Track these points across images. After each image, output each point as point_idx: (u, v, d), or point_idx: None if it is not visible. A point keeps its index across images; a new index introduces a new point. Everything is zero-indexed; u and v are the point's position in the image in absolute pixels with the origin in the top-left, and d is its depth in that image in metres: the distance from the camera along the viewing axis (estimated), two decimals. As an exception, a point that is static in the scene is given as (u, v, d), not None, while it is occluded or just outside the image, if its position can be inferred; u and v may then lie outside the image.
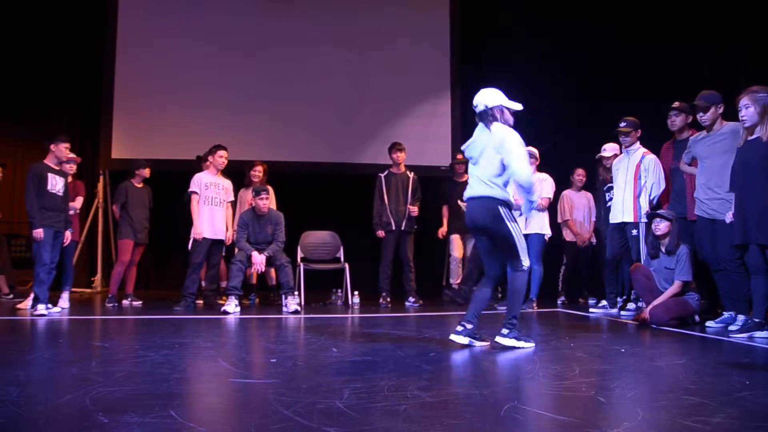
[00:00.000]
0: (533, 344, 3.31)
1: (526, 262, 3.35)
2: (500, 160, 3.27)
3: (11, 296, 6.17)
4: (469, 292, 6.17)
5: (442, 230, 6.56)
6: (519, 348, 3.25)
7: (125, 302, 5.78)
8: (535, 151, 5.82)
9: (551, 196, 5.79)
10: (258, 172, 6.19)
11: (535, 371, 2.72)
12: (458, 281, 6.57)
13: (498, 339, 3.32)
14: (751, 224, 3.70)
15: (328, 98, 7.85)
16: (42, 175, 5.02)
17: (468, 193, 3.44)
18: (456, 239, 6.56)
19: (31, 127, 7.94)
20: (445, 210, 6.57)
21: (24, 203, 5.00)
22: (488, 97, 3.39)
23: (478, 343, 3.35)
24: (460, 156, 6.73)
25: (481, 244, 3.48)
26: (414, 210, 6.10)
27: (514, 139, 3.30)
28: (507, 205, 3.32)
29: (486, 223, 3.32)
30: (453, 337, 3.36)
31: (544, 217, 5.73)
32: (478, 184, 3.36)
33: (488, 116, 3.37)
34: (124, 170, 7.69)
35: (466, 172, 6.69)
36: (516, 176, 3.25)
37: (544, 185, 5.76)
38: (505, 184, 3.34)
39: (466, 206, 6.41)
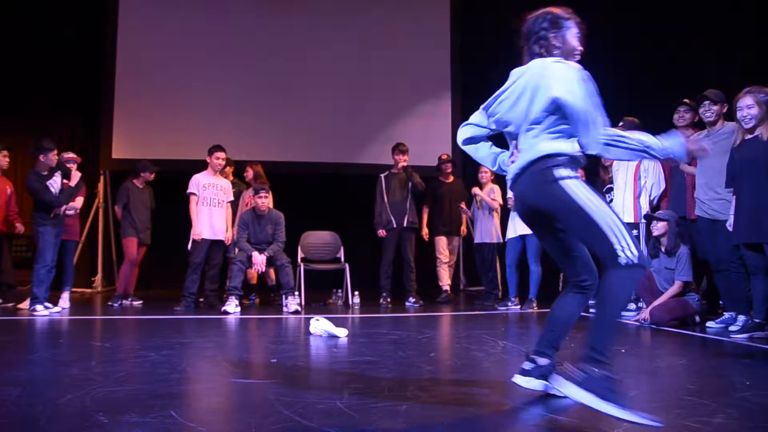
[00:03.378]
0: (652, 423, 1.78)
1: (628, 252, 1.92)
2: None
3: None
4: (489, 295, 6.15)
5: (425, 232, 6.55)
6: (615, 414, 1.81)
7: (125, 302, 5.78)
8: None
9: None
10: (246, 173, 6.26)
11: (535, 371, 2.71)
12: (448, 284, 6.57)
13: (569, 392, 1.89)
14: (756, 223, 3.68)
15: (329, 98, 7.85)
16: (42, 185, 5.07)
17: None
18: (441, 241, 6.55)
19: (32, 126, 7.92)
20: (425, 211, 6.54)
21: (29, 204, 5.05)
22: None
23: (557, 387, 1.96)
24: (444, 156, 6.74)
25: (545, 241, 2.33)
26: (420, 185, 6.06)
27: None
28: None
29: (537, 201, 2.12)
30: (518, 380, 2.19)
31: None
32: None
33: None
34: (124, 170, 7.74)
35: (453, 172, 6.71)
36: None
37: None
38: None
39: (464, 209, 6.43)
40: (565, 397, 1.97)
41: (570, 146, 2.08)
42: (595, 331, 1.94)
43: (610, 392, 1.81)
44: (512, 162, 2.20)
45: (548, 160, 2.05)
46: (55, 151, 5.22)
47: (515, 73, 2.31)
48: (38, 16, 7.84)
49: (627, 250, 1.94)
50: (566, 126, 2.08)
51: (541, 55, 2.28)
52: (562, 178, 2.03)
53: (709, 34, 7.09)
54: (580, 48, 2.30)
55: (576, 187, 2.01)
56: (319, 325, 3.76)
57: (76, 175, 5.37)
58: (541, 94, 2.09)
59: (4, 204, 5.62)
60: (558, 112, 2.07)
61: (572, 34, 2.29)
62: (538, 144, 2.09)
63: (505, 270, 5.91)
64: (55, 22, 7.84)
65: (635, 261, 1.93)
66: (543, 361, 2.19)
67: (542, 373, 2.16)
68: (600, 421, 1.91)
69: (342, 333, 3.69)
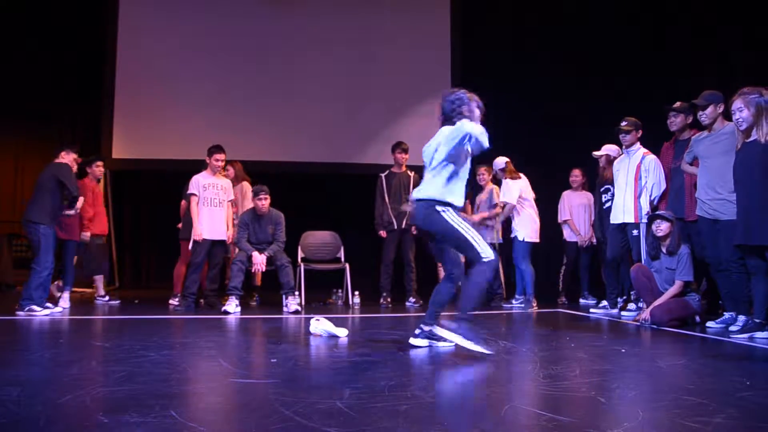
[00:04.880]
0: (489, 351, 3.01)
1: (485, 254, 3.09)
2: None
3: (107, 298, 6.00)
4: (492, 295, 6.17)
5: None
6: (470, 349, 3.00)
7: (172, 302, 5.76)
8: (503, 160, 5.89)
9: (513, 201, 5.81)
10: (227, 171, 6.23)
11: (535, 371, 2.72)
12: None
13: (442, 332, 3.16)
14: (754, 226, 3.68)
15: (329, 98, 7.85)
16: (74, 176, 5.19)
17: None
18: None
19: (32, 127, 7.94)
20: None
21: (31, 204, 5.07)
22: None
23: (439, 344, 3.25)
24: None
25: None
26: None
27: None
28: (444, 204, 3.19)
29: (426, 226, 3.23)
30: (412, 340, 3.31)
31: (528, 224, 5.77)
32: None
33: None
34: (125, 170, 7.75)
35: None
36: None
37: (507, 189, 5.81)
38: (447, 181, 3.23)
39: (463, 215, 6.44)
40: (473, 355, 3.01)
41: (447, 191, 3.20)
42: (464, 301, 3.13)
43: (472, 336, 3.04)
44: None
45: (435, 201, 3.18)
46: (75, 156, 5.33)
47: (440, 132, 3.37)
48: (38, 16, 7.84)
49: (484, 251, 3.10)
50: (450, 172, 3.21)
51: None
52: (444, 211, 3.17)
53: (709, 34, 7.09)
54: (481, 115, 3.35)
55: (450, 215, 3.16)
56: (319, 325, 3.77)
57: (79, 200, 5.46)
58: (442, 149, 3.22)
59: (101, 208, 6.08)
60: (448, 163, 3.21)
61: (476, 108, 3.34)
62: (432, 185, 3.24)
63: (507, 269, 5.97)
64: (55, 23, 7.84)
65: (491, 257, 3.11)
66: (427, 328, 3.29)
67: (427, 336, 3.29)
68: (600, 421, 1.91)
69: (342, 333, 3.69)
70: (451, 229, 3.13)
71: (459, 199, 3.23)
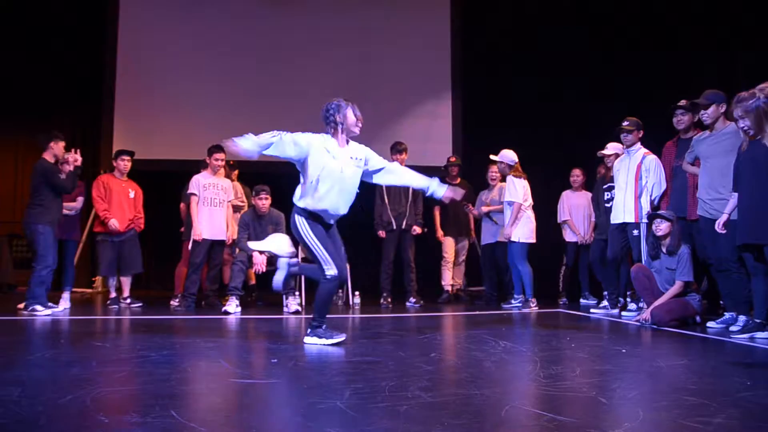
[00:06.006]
0: (342, 337, 3.36)
1: (329, 271, 3.36)
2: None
3: (129, 301, 5.72)
4: (491, 296, 6.21)
5: (439, 234, 6.59)
6: (325, 344, 3.31)
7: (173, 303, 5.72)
8: (509, 153, 5.85)
9: (519, 200, 5.73)
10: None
11: (535, 371, 2.72)
12: (450, 283, 6.58)
13: (305, 339, 3.42)
14: (759, 224, 3.67)
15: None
16: (56, 169, 5.09)
17: None
18: (448, 242, 6.57)
19: (32, 126, 7.92)
20: (436, 212, 6.58)
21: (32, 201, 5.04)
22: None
23: (326, 341, 3.35)
24: (453, 158, 6.78)
25: None
26: (418, 230, 6.10)
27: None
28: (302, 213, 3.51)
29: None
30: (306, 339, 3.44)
31: (524, 225, 5.74)
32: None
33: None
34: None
35: (459, 174, 6.73)
36: None
37: (513, 188, 5.77)
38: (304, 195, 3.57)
39: (470, 208, 6.44)
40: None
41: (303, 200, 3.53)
42: (315, 310, 3.42)
43: (320, 335, 3.36)
44: None
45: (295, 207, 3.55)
46: (64, 144, 5.22)
47: None
48: (39, 17, 7.84)
49: (329, 268, 3.36)
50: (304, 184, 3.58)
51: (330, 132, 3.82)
52: (299, 221, 3.51)
53: (709, 34, 7.09)
54: (357, 122, 3.93)
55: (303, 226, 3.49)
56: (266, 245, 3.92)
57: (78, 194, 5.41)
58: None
59: (131, 205, 5.86)
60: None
61: (350, 113, 3.82)
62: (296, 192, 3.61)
63: (510, 270, 5.98)
64: (56, 22, 7.85)
65: (334, 274, 3.36)
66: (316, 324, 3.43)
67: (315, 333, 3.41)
68: (601, 421, 1.91)
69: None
70: (302, 240, 3.47)
71: (318, 204, 3.51)
